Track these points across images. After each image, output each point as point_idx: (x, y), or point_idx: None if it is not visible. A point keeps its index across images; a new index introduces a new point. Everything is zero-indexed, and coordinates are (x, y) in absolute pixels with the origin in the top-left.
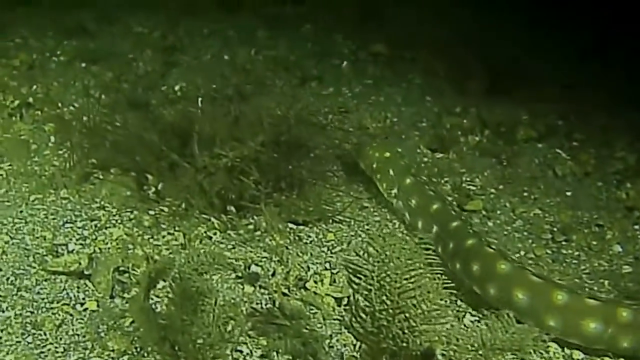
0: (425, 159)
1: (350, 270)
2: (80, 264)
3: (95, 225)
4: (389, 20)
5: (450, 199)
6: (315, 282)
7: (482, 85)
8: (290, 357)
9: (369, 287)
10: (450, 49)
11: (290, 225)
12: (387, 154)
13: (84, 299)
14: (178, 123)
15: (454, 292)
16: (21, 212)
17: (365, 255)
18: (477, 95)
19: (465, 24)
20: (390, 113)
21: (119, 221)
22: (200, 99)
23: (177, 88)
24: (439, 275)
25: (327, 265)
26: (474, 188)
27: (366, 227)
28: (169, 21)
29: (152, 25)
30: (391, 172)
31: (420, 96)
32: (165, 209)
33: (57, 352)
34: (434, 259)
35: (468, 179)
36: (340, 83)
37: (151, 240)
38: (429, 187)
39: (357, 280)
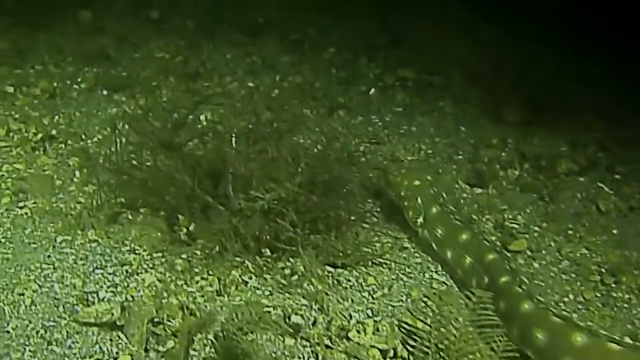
0: (465, 195)
1: (404, 331)
2: (112, 314)
3: (127, 271)
4: (414, 42)
5: (493, 238)
6: (358, 331)
7: (518, 113)
8: None
9: (425, 350)
10: (481, 73)
11: (329, 268)
12: (417, 182)
13: (117, 352)
14: (210, 161)
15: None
16: (49, 256)
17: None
18: (514, 125)
19: (495, 45)
20: (424, 144)
21: (151, 266)
22: (233, 138)
23: (203, 119)
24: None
25: (370, 312)
26: (516, 226)
27: (407, 270)
28: (190, 46)
29: (174, 50)
30: (418, 200)
31: (454, 126)
32: (198, 252)
33: None
34: (492, 319)
35: (510, 217)
36: (369, 111)
37: (185, 286)
38: (455, 217)
39: (412, 342)
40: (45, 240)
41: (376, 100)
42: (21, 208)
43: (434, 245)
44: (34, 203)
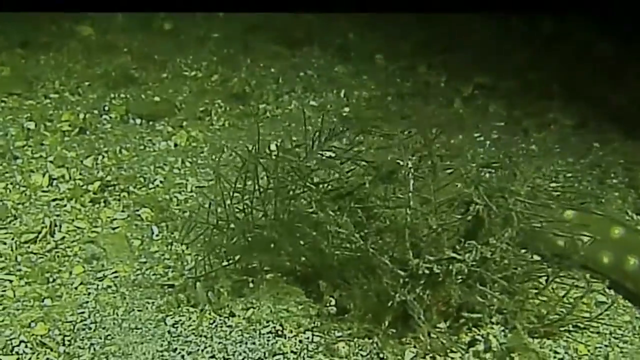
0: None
1: None
2: None
3: None
4: (470, 44)
5: None
6: None
7: None
8: None
9: None
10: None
11: (529, 339)
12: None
13: None
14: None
15: None
16: (169, 346)
17: None
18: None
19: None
20: (558, 166)
21: (306, 354)
22: (411, 178)
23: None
24: None
25: None
26: None
27: (618, 332)
28: (224, 61)
29: (205, 67)
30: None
31: (581, 140)
32: (356, 328)
33: None
34: None
35: None
36: (466, 128)
37: None
38: None
39: None
40: (151, 324)
41: (467, 115)
42: (101, 280)
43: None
44: (115, 272)
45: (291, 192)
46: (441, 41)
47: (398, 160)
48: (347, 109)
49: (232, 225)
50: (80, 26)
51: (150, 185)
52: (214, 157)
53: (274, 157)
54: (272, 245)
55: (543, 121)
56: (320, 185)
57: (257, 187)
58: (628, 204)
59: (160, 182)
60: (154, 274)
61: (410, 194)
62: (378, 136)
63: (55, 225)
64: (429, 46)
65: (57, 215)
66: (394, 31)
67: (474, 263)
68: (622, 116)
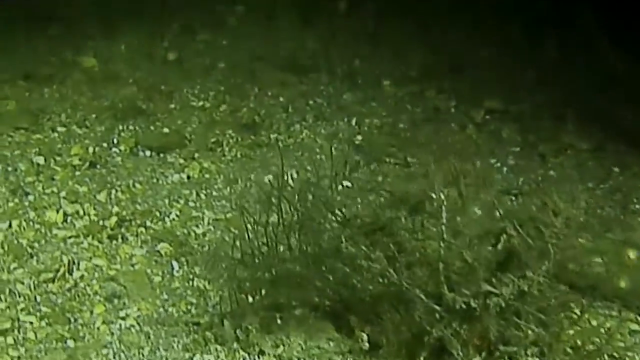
0: None
1: None
2: None
3: None
4: (476, 67)
5: None
6: None
7: None
8: None
9: None
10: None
11: None
12: None
13: None
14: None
15: None
16: None
17: None
18: None
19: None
20: (579, 193)
21: None
22: (443, 210)
23: (297, 178)
24: None
25: None
26: None
27: None
28: (231, 91)
29: (213, 97)
30: None
31: (599, 164)
32: None
33: None
34: None
35: None
36: (482, 154)
37: None
38: None
39: None
40: None
41: (481, 141)
42: (124, 319)
43: None
44: (138, 310)
45: (318, 225)
46: (446, 64)
47: (430, 193)
48: (359, 137)
49: (256, 260)
50: (82, 57)
51: (167, 219)
52: (228, 188)
53: (296, 189)
54: (299, 280)
55: (559, 146)
56: (350, 219)
57: (281, 220)
58: None
59: (176, 215)
60: (177, 311)
61: (443, 227)
62: (394, 165)
63: (73, 263)
64: (434, 70)
65: (75, 253)
66: (399, 56)
67: (511, 296)
68: (636, 137)
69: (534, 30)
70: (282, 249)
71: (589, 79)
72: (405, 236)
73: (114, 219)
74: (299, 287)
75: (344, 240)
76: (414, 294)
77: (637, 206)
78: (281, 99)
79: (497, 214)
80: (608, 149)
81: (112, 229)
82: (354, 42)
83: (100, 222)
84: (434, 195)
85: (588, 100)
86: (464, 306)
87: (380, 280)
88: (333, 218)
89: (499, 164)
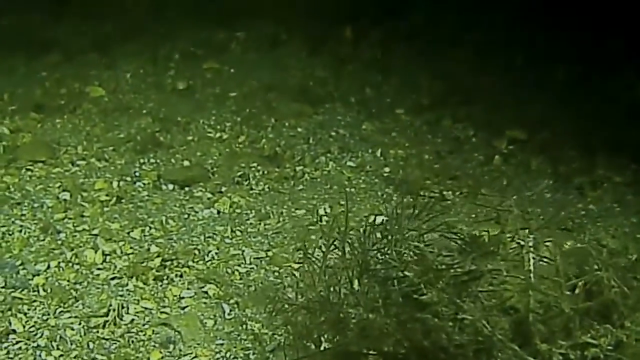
0: None
1: None
2: None
3: None
4: (486, 96)
5: None
6: None
7: None
8: None
9: None
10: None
11: None
12: None
13: None
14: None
15: None
16: None
17: None
18: None
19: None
20: (623, 227)
21: None
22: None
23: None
24: None
25: None
26: None
27: None
28: (247, 121)
29: (230, 127)
30: None
31: (638, 196)
32: None
33: None
34: None
35: None
36: (515, 187)
37: None
38: None
39: None
40: None
41: (510, 172)
42: None
43: None
44: (195, 357)
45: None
46: (457, 92)
47: (517, 240)
48: (387, 169)
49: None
50: (89, 87)
51: (207, 258)
52: (262, 224)
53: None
54: (369, 327)
55: (594, 178)
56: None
57: (345, 262)
58: None
59: (215, 253)
60: (234, 356)
61: (531, 274)
62: (430, 199)
63: (122, 307)
64: (446, 98)
65: (122, 296)
66: (408, 83)
67: (609, 348)
68: None
69: (540, 58)
70: (344, 292)
71: (609, 107)
72: (480, 283)
73: (158, 259)
74: (369, 335)
75: (422, 285)
76: (506, 345)
77: None
78: (299, 129)
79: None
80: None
81: (157, 270)
82: (362, 69)
83: (143, 263)
84: (507, 237)
85: (613, 129)
86: (561, 358)
87: (466, 330)
88: (398, 260)
89: (534, 197)
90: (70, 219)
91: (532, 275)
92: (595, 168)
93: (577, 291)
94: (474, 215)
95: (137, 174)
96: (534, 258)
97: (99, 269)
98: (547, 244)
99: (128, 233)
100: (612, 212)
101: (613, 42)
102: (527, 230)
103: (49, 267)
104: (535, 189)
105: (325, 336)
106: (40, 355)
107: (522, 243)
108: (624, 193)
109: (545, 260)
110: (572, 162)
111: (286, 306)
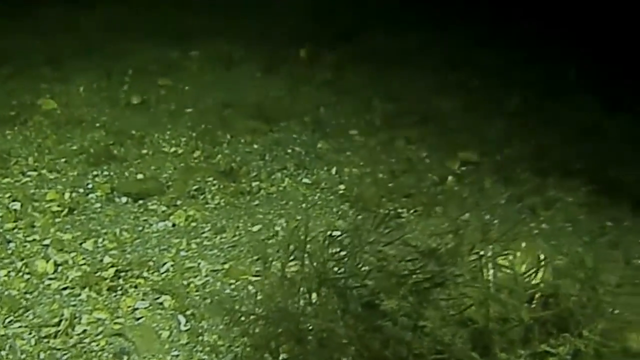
0: None
1: None
2: None
3: None
4: (438, 117)
5: None
6: None
7: None
8: None
9: None
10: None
11: None
12: None
13: None
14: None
15: None
16: None
17: None
18: None
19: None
20: (576, 246)
21: None
22: (491, 265)
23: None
24: None
25: None
26: None
27: None
28: (202, 137)
29: (185, 142)
30: None
31: (590, 217)
32: None
33: None
34: None
35: None
36: (469, 207)
37: None
38: None
39: None
40: None
41: (464, 192)
42: None
43: None
44: None
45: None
46: (410, 114)
47: (476, 251)
48: (342, 187)
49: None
50: (41, 99)
51: (162, 270)
52: (218, 237)
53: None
54: (328, 337)
55: (546, 199)
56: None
57: (304, 273)
58: None
59: (171, 265)
60: None
61: (490, 284)
62: (389, 215)
63: (75, 317)
64: (398, 119)
65: (75, 306)
66: (361, 104)
67: (568, 356)
68: (622, 189)
69: (493, 80)
70: (302, 303)
71: (561, 129)
72: (440, 292)
73: (111, 270)
74: (328, 346)
75: (382, 295)
76: (466, 354)
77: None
78: (255, 146)
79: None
80: (596, 202)
81: (112, 280)
82: (317, 90)
83: (97, 273)
84: (465, 249)
85: (565, 151)
86: None
87: (426, 339)
88: (357, 271)
89: (488, 216)
90: (20, 229)
91: (491, 285)
92: (547, 189)
93: (535, 301)
94: (432, 228)
95: (89, 186)
96: (492, 268)
97: (50, 279)
98: (506, 255)
99: (80, 244)
100: (564, 231)
101: (565, 66)
102: (485, 242)
103: None
104: (489, 207)
105: (283, 347)
106: None
107: (482, 254)
108: (576, 213)
109: (504, 270)
110: (525, 183)
111: (243, 318)
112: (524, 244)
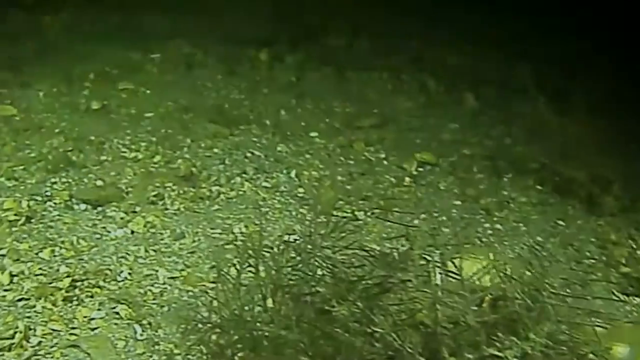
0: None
1: None
2: None
3: None
4: (397, 120)
5: None
6: None
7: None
8: None
9: None
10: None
11: None
12: None
13: None
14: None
15: None
16: None
17: None
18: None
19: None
20: (536, 245)
21: None
22: (438, 273)
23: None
24: None
25: None
26: None
27: None
28: (163, 141)
29: (145, 147)
30: None
31: (543, 217)
32: None
33: None
34: None
35: None
36: (422, 207)
37: None
38: None
39: None
40: None
41: (421, 193)
42: None
43: None
44: None
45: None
46: (370, 116)
47: (424, 255)
48: (301, 190)
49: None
50: (0, 105)
51: (119, 278)
52: (177, 244)
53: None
54: (282, 344)
55: (500, 199)
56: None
57: (259, 280)
58: (612, 285)
59: (128, 273)
60: None
61: (439, 289)
62: (345, 219)
63: (30, 329)
64: (358, 122)
65: (30, 318)
66: (321, 107)
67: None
68: (573, 188)
69: (451, 82)
70: (258, 310)
71: (516, 130)
72: (390, 297)
73: (68, 280)
74: (283, 352)
75: (333, 301)
76: (415, 358)
77: (591, 260)
78: (215, 150)
79: (488, 272)
80: (549, 202)
81: (67, 290)
82: (277, 92)
83: (52, 283)
84: (416, 254)
85: (519, 151)
86: None
87: (377, 344)
88: (310, 277)
89: (443, 218)
90: None
91: (439, 289)
92: (501, 189)
93: (483, 305)
94: (385, 235)
95: (48, 193)
96: (440, 273)
97: (5, 290)
98: (454, 259)
99: (37, 253)
100: (517, 231)
101: (521, 66)
102: (435, 246)
103: None
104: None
105: (239, 355)
106: None
107: (429, 258)
108: (529, 213)
109: (451, 275)
110: (479, 183)
111: (199, 325)
112: (474, 247)
